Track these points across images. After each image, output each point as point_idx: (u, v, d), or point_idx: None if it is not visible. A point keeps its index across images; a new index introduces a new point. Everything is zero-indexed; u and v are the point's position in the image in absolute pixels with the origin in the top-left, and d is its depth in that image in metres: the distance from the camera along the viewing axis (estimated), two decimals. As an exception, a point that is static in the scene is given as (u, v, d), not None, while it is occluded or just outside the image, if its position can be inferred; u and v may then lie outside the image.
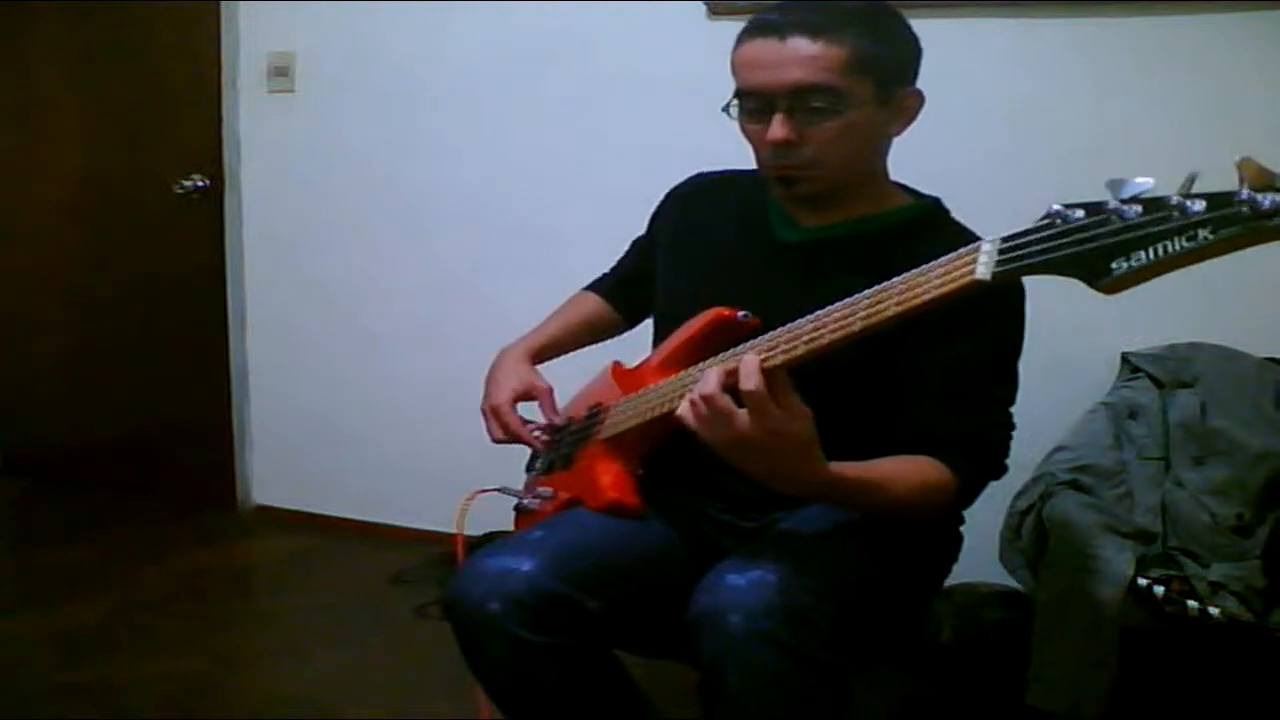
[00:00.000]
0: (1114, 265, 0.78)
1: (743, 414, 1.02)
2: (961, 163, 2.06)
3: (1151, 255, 0.76)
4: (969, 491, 1.24)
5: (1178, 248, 0.75)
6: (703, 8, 2.47)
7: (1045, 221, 0.83)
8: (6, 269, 3.36)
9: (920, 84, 1.31)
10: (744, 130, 1.29)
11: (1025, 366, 1.30)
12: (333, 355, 3.02)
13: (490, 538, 1.34)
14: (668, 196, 1.52)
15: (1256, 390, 1.94)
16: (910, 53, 1.28)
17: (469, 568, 1.19)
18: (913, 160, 1.39)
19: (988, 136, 2.21)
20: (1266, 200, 0.71)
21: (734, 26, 1.35)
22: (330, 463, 3.06)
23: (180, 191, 3.03)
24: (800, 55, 1.19)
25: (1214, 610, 1.54)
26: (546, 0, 2.64)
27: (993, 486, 1.30)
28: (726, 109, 1.29)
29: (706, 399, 1.04)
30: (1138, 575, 1.57)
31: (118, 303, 3.23)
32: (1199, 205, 0.74)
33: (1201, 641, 1.56)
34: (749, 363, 1.03)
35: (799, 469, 1.07)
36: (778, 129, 1.21)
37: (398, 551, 2.79)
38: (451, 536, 1.41)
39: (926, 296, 0.93)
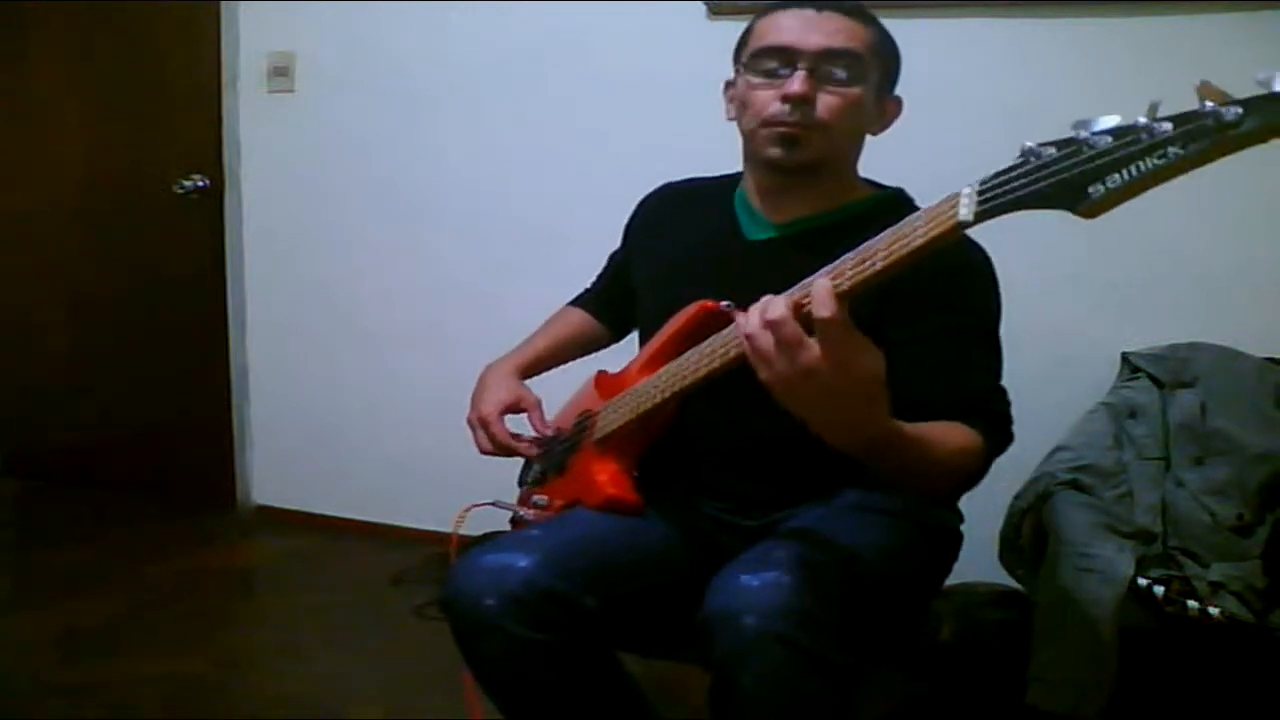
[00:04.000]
0: (1091, 190, 0.80)
1: (813, 343, 0.93)
2: (960, 164, 2.05)
3: (1126, 176, 0.79)
4: (990, 457, 1.21)
5: (1150, 165, 0.78)
6: (703, 8, 2.47)
7: (1019, 160, 0.85)
8: (6, 269, 3.36)
9: (919, 84, 1.33)
10: (746, 96, 1.30)
11: (1025, 366, 1.30)
12: (333, 355, 3.02)
13: (489, 538, 1.34)
14: (638, 208, 1.55)
15: (1256, 390, 1.94)
16: (899, 65, 1.36)
17: (466, 564, 1.19)
18: (911, 161, 1.39)
19: (986, 137, 2.20)
20: (1230, 112, 0.74)
21: (734, 26, 1.36)
22: (330, 463, 3.06)
23: (180, 191, 3.03)
24: (833, 24, 1.27)
25: (1214, 610, 1.54)
26: (546, 0, 2.64)
27: (992, 486, 1.29)
28: (737, 71, 1.32)
29: (775, 324, 0.94)
30: (1138, 575, 1.58)
31: (118, 303, 3.23)
32: (1166, 125, 0.78)
33: (1201, 641, 1.56)
34: (822, 287, 0.93)
35: (869, 412, 0.98)
36: (798, 83, 1.24)
37: (398, 551, 2.79)
38: (451, 536, 1.42)
39: (914, 244, 0.92)
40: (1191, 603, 1.55)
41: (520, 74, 2.70)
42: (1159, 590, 1.57)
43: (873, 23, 1.30)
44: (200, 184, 3.03)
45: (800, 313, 0.95)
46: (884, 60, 1.31)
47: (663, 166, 1.60)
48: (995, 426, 1.22)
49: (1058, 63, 2.23)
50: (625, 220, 1.61)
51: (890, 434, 1.02)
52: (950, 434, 1.14)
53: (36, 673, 2.11)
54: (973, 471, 1.18)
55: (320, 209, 2.98)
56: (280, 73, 2.95)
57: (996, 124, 2.24)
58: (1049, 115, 2.26)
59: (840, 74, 1.26)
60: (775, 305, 0.95)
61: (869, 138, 1.35)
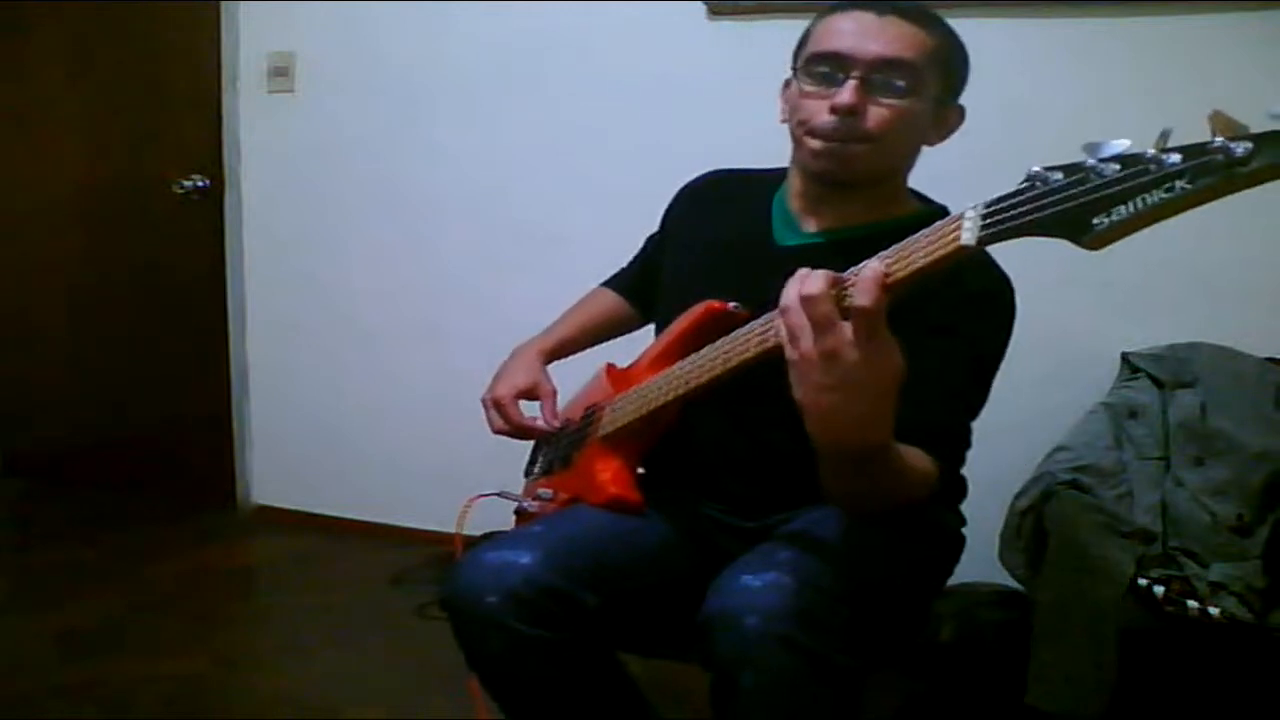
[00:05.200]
0: (1096, 221, 0.79)
1: (845, 327, 0.91)
2: (957, 165, 2.06)
3: (1132, 209, 0.77)
4: (932, 492, 1.18)
5: (1156, 199, 0.76)
6: (703, 8, 2.47)
7: (1025, 185, 0.84)
8: (6, 269, 3.36)
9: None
10: (797, 102, 1.26)
11: (1025, 366, 1.30)
12: (333, 355, 3.02)
13: (490, 536, 1.34)
14: (679, 193, 1.51)
15: (1256, 390, 1.94)
16: (967, 70, 1.31)
17: (468, 561, 1.19)
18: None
19: (984, 138, 2.21)
20: (1239, 148, 0.72)
21: (734, 26, 1.36)
22: (330, 463, 3.06)
23: (180, 191, 3.03)
24: (893, 31, 1.21)
25: (1214, 610, 1.54)
26: (546, 0, 2.64)
27: (993, 486, 1.29)
28: (794, 73, 1.28)
29: (809, 299, 0.91)
30: (1138, 575, 1.58)
31: (118, 303, 3.23)
32: (1175, 158, 0.76)
33: (1201, 641, 1.56)
34: (871, 273, 0.90)
35: (879, 412, 0.95)
36: (847, 94, 1.20)
37: (398, 551, 2.79)
38: (452, 536, 1.42)
39: (915, 265, 0.91)
40: (1191, 603, 1.55)
41: (520, 74, 2.71)
42: (1159, 590, 1.57)
43: (938, 26, 1.24)
44: (200, 184, 3.03)
45: (838, 294, 0.92)
46: (946, 68, 1.25)
47: (662, 166, 1.60)
48: (948, 464, 1.19)
49: (1056, 63, 2.23)
50: (624, 219, 1.61)
51: (886, 442, 1.01)
52: (917, 459, 1.11)
53: (36, 673, 2.11)
54: (921, 500, 1.15)
55: (320, 209, 2.98)
56: (280, 73, 2.95)
57: (994, 124, 2.24)
58: (1047, 116, 2.29)
59: (894, 85, 1.20)
60: (813, 281, 0.92)
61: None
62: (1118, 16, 2.18)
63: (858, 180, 1.26)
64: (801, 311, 0.92)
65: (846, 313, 0.92)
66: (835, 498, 1.12)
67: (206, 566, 2.78)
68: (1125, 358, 2.11)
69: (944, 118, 1.29)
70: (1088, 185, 0.80)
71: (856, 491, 1.09)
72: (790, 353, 0.94)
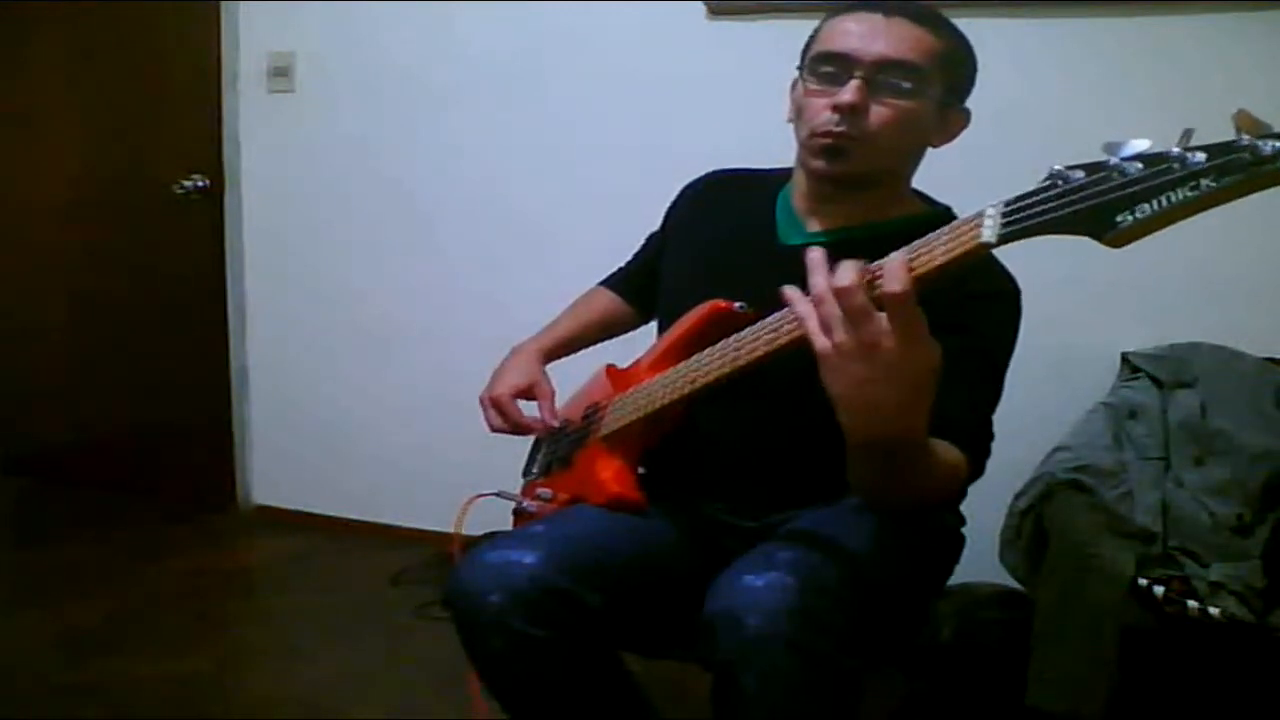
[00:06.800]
0: (1119, 219, 0.78)
1: (881, 317, 0.90)
2: (953, 165, 2.06)
3: (1156, 206, 0.77)
4: (966, 485, 1.19)
5: (1181, 197, 0.76)
6: (702, 8, 2.47)
7: (1047, 183, 0.84)
8: (6, 269, 3.36)
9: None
10: (801, 101, 1.27)
11: (1025, 366, 1.30)
12: (332, 355, 3.03)
13: (490, 537, 1.34)
14: (682, 192, 1.51)
15: (1256, 390, 1.94)
16: (974, 74, 1.32)
17: (470, 560, 1.19)
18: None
19: (979, 139, 2.21)
20: (1267, 146, 0.72)
21: (734, 26, 1.36)
22: (330, 463, 3.06)
23: (180, 191, 3.03)
24: (898, 32, 1.22)
25: (1214, 610, 1.54)
26: (546, 0, 2.64)
27: (993, 486, 1.29)
28: (800, 72, 1.29)
29: (843, 291, 0.90)
30: (1138, 575, 1.58)
31: (118, 303, 3.23)
32: (1200, 156, 0.75)
33: (1201, 641, 1.56)
34: (897, 262, 0.90)
35: (915, 403, 0.93)
36: (849, 93, 1.20)
37: (398, 551, 2.79)
38: (452, 536, 1.42)
39: (935, 262, 0.90)
40: (1191, 603, 1.55)
41: (520, 74, 2.71)
42: (1159, 590, 1.57)
43: (945, 29, 1.26)
44: (200, 184, 3.03)
45: (869, 286, 0.91)
46: (951, 71, 1.26)
47: (662, 166, 1.60)
48: (976, 458, 1.19)
49: (1053, 64, 2.23)
50: (623, 218, 1.61)
51: (921, 433, 0.99)
52: (947, 452, 1.11)
53: (36, 673, 2.11)
54: (952, 494, 1.16)
55: (320, 209, 2.98)
56: (280, 73, 2.96)
57: (987, 125, 2.24)
58: (1044, 117, 2.28)
59: (898, 85, 1.21)
60: (845, 272, 0.91)
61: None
62: (1118, 16, 2.18)
63: (859, 179, 1.26)
64: (835, 302, 0.91)
65: (875, 303, 0.91)
66: (866, 492, 1.12)
67: (206, 566, 2.78)
68: (1125, 358, 2.11)
69: (948, 120, 1.30)
70: (1111, 183, 0.79)
71: (890, 485, 1.07)
72: (823, 345, 0.93)
